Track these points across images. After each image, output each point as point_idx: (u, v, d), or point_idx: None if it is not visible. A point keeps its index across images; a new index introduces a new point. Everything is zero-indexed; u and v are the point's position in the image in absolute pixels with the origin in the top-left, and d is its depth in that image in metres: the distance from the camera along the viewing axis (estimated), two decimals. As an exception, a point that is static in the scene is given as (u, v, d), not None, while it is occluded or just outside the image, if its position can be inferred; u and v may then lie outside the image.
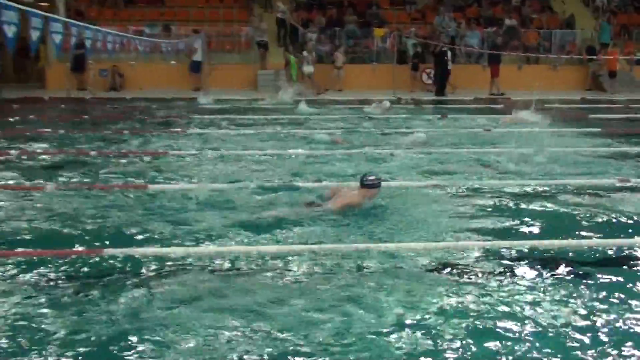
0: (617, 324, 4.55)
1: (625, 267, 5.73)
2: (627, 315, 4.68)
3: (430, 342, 4.24)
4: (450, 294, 4.95)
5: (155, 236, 6.31)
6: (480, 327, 4.45)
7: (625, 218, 7.07)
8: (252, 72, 23.87)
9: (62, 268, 5.48)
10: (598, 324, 4.55)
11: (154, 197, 7.74)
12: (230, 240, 6.20)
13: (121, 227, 6.57)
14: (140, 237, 6.30)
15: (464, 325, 4.46)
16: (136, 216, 6.94)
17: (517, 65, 24.66)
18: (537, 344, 4.22)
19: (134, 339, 4.25)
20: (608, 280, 5.37)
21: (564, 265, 5.68)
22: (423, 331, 4.37)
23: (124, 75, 23.28)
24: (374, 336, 4.28)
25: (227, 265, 5.58)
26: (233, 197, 7.70)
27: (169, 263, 5.58)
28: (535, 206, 7.48)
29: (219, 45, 24.93)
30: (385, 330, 4.36)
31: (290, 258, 5.72)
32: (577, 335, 4.35)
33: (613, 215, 7.14)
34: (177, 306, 4.68)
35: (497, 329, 4.43)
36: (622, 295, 5.02)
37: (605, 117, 16.59)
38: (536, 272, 5.46)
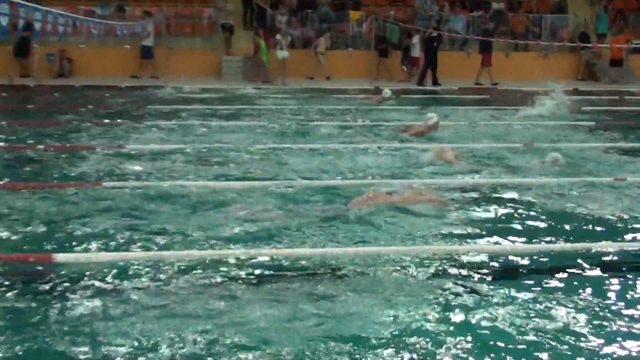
0: (613, 329, 4.67)
1: (625, 270, 5.84)
2: (625, 320, 4.80)
3: (417, 349, 4.31)
4: (438, 300, 5.01)
5: (112, 240, 6.24)
6: (472, 332, 4.53)
7: (621, 219, 7.19)
8: (215, 58, 23.78)
9: (8, 276, 5.41)
10: (592, 328, 4.65)
11: (109, 196, 7.66)
12: (195, 243, 6.17)
13: (73, 230, 6.50)
14: (94, 241, 6.22)
15: (452, 332, 4.52)
16: (89, 218, 6.86)
17: (505, 53, 24.83)
18: (530, 351, 4.32)
19: (88, 351, 4.22)
20: (605, 283, 5.48)
21: (557, 268, 5.77)
22: (408, 338, 4.43)
23: (73, 60, 23.04)
24: (356, 345, 4.33)
25: (194, 271, 5.54)
26: (199, 196, 7.68)
27: (126, 269, 5.53)
28: (525, 206, 7.56)
29: (178, 29, 24.76)
30: (369, 338, 4.41)
31: (266, 263, 5.73)
32: (569, 340, 4.46)
33: (609, 217, 7.25)
34: (135, 317, 4.66)
35: (489, 334, 4.51)
36: (620, 300, 5.13)
37: (600, 109, 16.79)
38: (530, 277, 5.56)
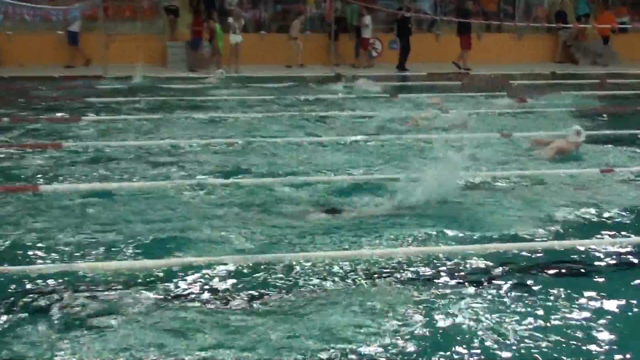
0: (605, 326, 4.81)
1: (618, 269, 5.96)
2: (614, 319, 4.94)
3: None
4: (422, 303, 5.07)
5: (51, 250, 6.14)
6: (469, 333, 4.64)
7: (611, 215, 7.28)
8: (159, 44, 23.58)
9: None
10: (586, 326, 4.79)
11: (47, 201, 7.57)
12: (149, 251, 6.13)
13: (7, 238, 6.40)
14: (31, 250, 6.14)
15: (445, 333, 4.64)
16: (26, 225, 6.76)
17: (477, 34, 24.92)
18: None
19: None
20: (601, 282, 5.60)
21: (548, 266, 5.88)
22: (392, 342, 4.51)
23: (0, 48, 22.67)
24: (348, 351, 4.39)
25: (147, 281, 5.50)
26: (147, 198, 7.64)
27: (69, 281, 5.46)
28: (509, 202, 7.62)
29: (117, 12, 24.46)
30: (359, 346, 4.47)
31: (232, 269, 5.71)
32: (563, 339, 4.58)
33: (598, 213, 7.34)
34: (81, 334, 4.62)
35: (487, 335, 4.62)
36: (612, 299, 5.24)
37: (581, 94, 16.97)
38: (518, 276, 5.65)
